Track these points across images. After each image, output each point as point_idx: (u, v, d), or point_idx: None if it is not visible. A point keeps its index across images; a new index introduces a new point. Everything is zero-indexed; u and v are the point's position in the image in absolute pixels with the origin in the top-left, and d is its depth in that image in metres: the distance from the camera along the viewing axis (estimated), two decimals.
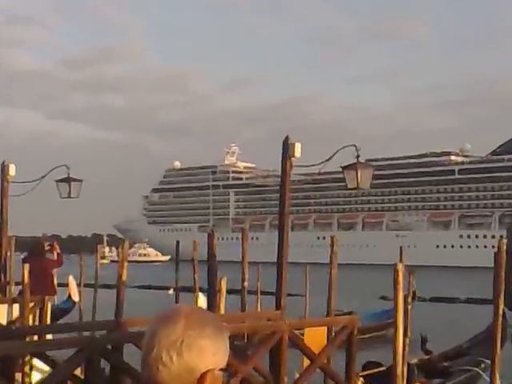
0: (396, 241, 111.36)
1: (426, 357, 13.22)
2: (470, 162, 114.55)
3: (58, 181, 11.96)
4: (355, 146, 10.09)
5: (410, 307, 11.66)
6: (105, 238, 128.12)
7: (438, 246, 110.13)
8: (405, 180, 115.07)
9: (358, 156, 10.04)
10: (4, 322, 10.25)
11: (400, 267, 10.50)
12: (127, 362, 7.94)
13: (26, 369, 8.92)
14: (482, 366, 12.11)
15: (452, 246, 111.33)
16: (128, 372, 7.83)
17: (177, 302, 18.88)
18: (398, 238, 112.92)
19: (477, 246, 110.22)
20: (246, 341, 10.04)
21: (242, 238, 12.26)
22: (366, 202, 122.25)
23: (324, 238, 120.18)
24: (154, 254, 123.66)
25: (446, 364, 12.87)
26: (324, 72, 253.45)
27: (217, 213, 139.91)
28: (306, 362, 9.42)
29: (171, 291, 37.17)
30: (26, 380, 8.93)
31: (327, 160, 10.07)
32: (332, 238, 11.41)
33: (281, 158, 9.91)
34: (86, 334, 10.11)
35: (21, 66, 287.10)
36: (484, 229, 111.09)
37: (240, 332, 9.49)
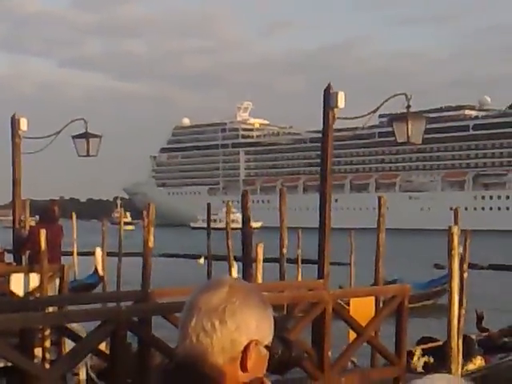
0: (409, 203, 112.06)
1: (484, 333, 13.09)
2: (485, 117, 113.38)
3: (74, 136, 11.76)
4: (406, 95, 9.74)
5: (465, 275, 11.41)
6: (118, 202, 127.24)
7: (451, 209, 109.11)
8: None
9: (408, 106, 9.68)
10: (21, 293, 10.21)
11: (455, 230, 10.22)
12: (156, 335, 7.83)
13: (47, 343, 8.88)
14: None
15: (466, 209, 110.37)
16: (157, 346, 7.71)
17: (209, 271, 18.80)
18: (410, 199, 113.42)
19: (491, 208, 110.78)
20: (285, 312, 9.89)
21: (280, 200, 12.01)
22: (380, 162, 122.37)
23: (336, 200, 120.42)
24: None
25: (506, 340, 12.74)
26: (372, 13, 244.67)
27: (227, 174, 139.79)
28: (352, 335, 9.24)
29: (202, 260, 37.22)
30: (47, 355, 8.89)
31: (374, 111, 9.74)
32: (380, 198, 11.14)
33: (322, 109, 9.61)
34: (110, 305, 10.06)
35: (30, 8, 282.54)
36: (499, 189, 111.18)
37: (279, 303, 9.31)
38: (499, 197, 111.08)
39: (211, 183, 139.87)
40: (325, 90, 9.63)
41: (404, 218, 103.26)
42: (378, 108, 9.97)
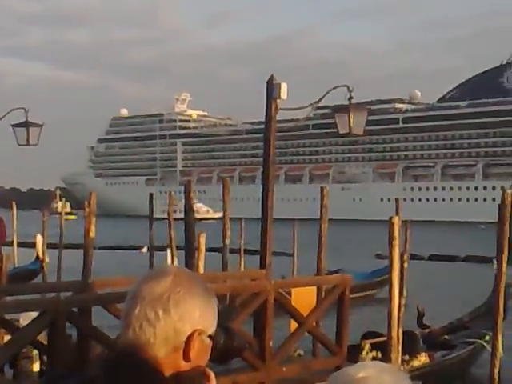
0: (341, 194, 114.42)
1: (427, 330, 13.31)
2: (414, 110, 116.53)
3: (14, 125, 11.58)
4: (348, 87, 9.81)
5: (406, 265, 11.58)
6: (57, 192, 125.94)
7: (382, 200, 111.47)
8: None
9: (350, 97, 9.76)
10: None
11: (396, 221, 10.36)
12: (96, 326, 7.75)
13: None
14: (487, 338, 12.18)
15: (396, 200, 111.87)
16: (97, 337, 7.63)
17: (151, 261, 18.67)
18: (343, 190, 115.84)
19: (419, 199, 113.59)
20: (227, 303, 9.90)
21: (224, 190, 11.99)
22: (314, 153, 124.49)
23: None
24: (204, 211, 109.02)
25: (447, 337, 12.99)
26: (316, 4, 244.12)
27: (164, 164, 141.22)
28: (294, 325, 9.30)
29: (145, 250, 37.06)
30: None
31: (317, 102, 9.80)
32: (322, 189, 11.21)
33: (265, 100, 9.62)
34: (50, 296, 9.91)
35: None
36: (427, 181, 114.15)
37: (221, 293, 9.30)
38: (427, 188, 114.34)
39: (149, 174, 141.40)
40: (268, 81, 9.64)
41: (336, 208, 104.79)
42: (320, 99, 10.03)
